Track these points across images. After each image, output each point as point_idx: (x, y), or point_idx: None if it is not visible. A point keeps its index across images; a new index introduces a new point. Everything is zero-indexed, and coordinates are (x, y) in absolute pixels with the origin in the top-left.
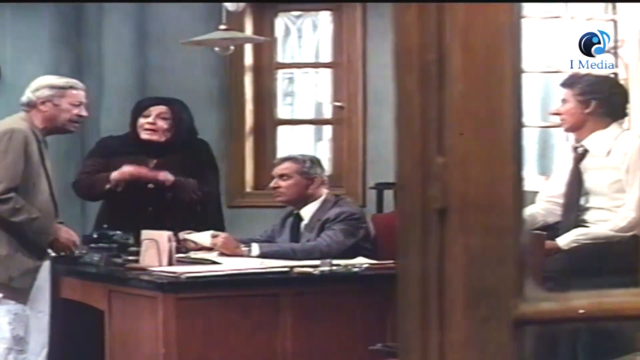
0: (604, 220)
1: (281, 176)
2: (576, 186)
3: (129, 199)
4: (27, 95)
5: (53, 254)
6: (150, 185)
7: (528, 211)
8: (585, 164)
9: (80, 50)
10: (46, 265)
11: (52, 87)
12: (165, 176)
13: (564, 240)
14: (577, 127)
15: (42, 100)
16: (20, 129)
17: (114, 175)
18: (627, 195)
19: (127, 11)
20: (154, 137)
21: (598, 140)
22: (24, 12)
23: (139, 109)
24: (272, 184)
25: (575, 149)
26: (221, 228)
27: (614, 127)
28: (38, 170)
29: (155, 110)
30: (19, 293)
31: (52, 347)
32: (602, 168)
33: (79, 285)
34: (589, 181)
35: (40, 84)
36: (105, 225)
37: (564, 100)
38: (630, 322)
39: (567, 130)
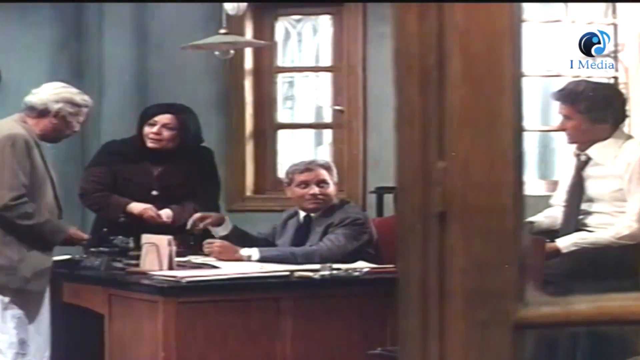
0: (606, 224)
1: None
2: (577, 193)
3: None
4: (43, 101)
5: (60, 258)
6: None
7: (546, 213)
8: (587, 172)
9: (80, 54)
10: None
11: (73, 104)
12: (168, 218)
13: (564, 243)
14: (584, 140)
15: (57, 113)
16: (21, 134)
17: (131, 210)
18: (628, 204)
19: (127, 15)
20: (158, 146)
21: (602, 149)
22: (24, 15)
23: (146, 117)
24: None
25: (578, 156)
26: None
27: (617, 135)
28: (42, 174)
29: (161, 120)
30: (35, 296)
31: (53, 350)
32: (604, 177)
33: (80, 289)
34: (590, 189)
35: (63, 97)
36: (105, 229)
37: (567, 117)
38: (631, 326)
39: (573, 142)
